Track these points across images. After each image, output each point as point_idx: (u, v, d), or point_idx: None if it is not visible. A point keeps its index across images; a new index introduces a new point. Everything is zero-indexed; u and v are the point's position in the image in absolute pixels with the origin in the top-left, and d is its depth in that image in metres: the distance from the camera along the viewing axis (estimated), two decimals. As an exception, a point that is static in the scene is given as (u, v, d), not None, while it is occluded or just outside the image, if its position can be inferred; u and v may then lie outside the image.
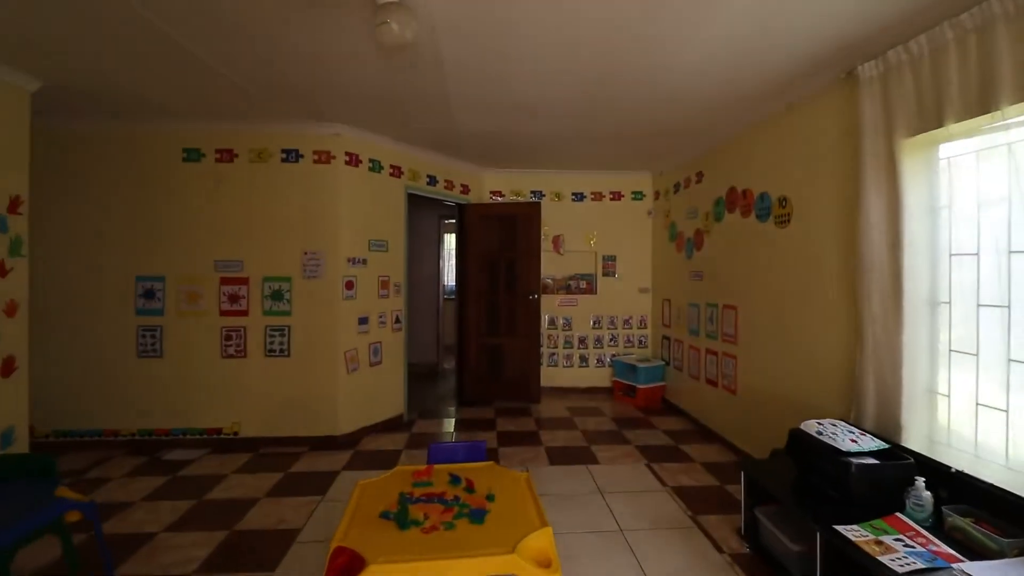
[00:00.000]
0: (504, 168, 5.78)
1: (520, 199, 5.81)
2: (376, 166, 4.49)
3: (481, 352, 5.58)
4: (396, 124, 4.12)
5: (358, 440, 4.29)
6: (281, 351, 4.13)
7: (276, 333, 4.13)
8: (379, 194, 4.53)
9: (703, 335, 4.60)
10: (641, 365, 5.36)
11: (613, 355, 5.93)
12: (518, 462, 3.80)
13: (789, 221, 3.40)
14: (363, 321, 4.37)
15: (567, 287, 5.98)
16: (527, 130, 4.24)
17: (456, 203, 5.55)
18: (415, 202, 7.03)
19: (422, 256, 7.21)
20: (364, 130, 4.28)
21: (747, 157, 3.93)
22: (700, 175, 4.75)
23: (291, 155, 4.13)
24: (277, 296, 4.13)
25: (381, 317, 4.55)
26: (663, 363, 5.51)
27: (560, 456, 3.94)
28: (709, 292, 4.51)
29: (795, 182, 3.35)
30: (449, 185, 5.34)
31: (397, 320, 4.72)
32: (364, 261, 4.37)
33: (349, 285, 4.23)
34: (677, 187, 5.28)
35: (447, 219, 7.21)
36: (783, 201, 3.46)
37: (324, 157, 4.14)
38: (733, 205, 4.12)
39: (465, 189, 5.57)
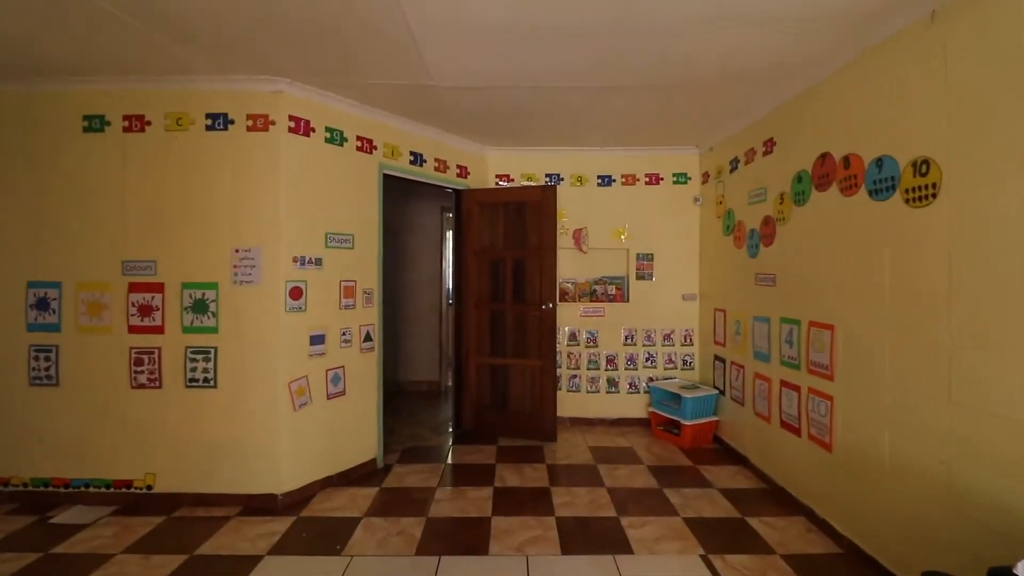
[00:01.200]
0: (511, 146, 4.66)
1: (532, 184, 4.67)
2: (336, 137, 3.43)
3: (482, 375, 4.47)
4: (351, 75, 3.04)
5: (308, 499, 3.24)
6: (206, 380, 3.12)
7: (199, 356, 3.12)
8: (341, 174, 3.47)
9: (776, 361, 3.35)
10: (688, 395, 4.14)
11: (650, 379, 4.72)
12: (516, 546, 2.67)
13: (934, 196, 2.16)
14: (317, 340, 3.32)
15: (591, 293, 4.81)
16: (524, 81, 3.10)
17: (452, 189, 4.46)
18: (411, 190, 6.01)
19: (420, 255, 6.17)
20: (315, 87, 3.23)
21: (850, 107, 2.69)
22: (770, 144, 3.50)
23: (218, 121, 3.12)
24: (200, 308, 3.12)
25: (344, 334, 3.49)
26: (716, 392, 4.27)
27: (577, 536, 2.78)
28: (785, 303, 3.27)
29: (945, 135, 2.11)
30: (441, 166, 4.25)
31: (367, 337, 3.66)
32: (318, 261, 3.32)
33: (296, 293, 3.19)
34: (735, 164, 4.04)
35: (451, 211, 6.14)
36: (921, 166, 2.22)
37: (261, 123, 3.11)
38: (826, 179, 2.88)
39: (463, 172, 4.47)
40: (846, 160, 2.72)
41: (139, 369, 3.14)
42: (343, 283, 3.48)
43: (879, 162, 2.48)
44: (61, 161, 3.15)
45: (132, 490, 3.16)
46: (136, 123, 3.13)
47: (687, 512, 3.05)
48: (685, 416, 4.13)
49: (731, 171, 4.11)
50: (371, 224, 3.68)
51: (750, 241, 3.76)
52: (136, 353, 3.14)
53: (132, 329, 3.14)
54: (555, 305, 4.18)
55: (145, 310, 3.13)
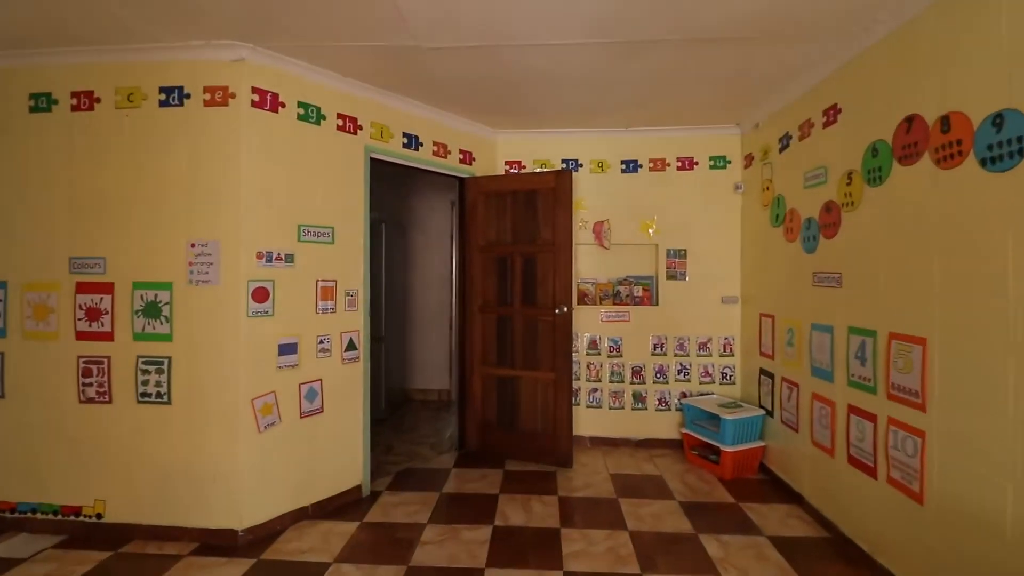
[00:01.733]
0: (522, 128, 4.12)
1: (545, 170, 4.12)
2: (312, 114, 2.97)
3: (488, 388, 3.95)
4: (319, 35, 2.56)
5: (275, 534, 2.78)
6: (159, 395, 2.70)
7: (151, 368, 2.71)
8: (318, 156, 3.01)
9: (842, 381, 2.70)
10: (728, 416, 3.50)
11: (683, 394, 4.09)
12: (509, 613, 2.13)
13: (1095, 158, 1.51)
14: (288, 349, 2.86)
15: (615, 295, 4.22)
16: (523, 36, 2.56)
17: (455, 177, 3.96)
18: (418, 183, 5.56)
19: (430, 253, 5.71)
20: (282, 54, 2.77)
21: (951, 49, 2.04)
22: (833, 112, 2.85)
23: (173, 95, 2.70)
24: (152, 311, 2.70)
25: (322, 342, 3.02)
26: (762, 412, 3.62)
27: (588, 600, 2.22)
28: (855, 308, 2.61)
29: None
30: (441, 150, 3.75)
31: (351, 346, 3.18)
32: (289, 258, 2.86)
33: (260, 295, 2.74)
34: (785, 141, 3.39)
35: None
36: (1071, 118, 1.57)
37: (220, 96, 2.67)
38: (914, 149, 2.23)
39: (467, 158, 3.96)
40: (944, 121, 2.06)
41: (87, 381, 2.75)
42: (320, 283, 3.01)
43: (998, 119, 1.82)
44: (6, 145, 2.79)
45: (81, 518, 2.77)
46: (85, 100, 2.74)
47: (730, 571, 2.44)
48: (725, 441, 3.50)
49: (781, 150, 3.46)
50: (355, 215, 3.21)
51: (806, 233, 3.11)
52: (84, 363, 2.75)
53: (80, 335, 2.75)
54: (571, 309, 3.61)
55: (93, 314, 2.74)
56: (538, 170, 4.17)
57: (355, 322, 3.21)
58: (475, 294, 3.95)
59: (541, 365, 3.73)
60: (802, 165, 3.17)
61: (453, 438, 4.30)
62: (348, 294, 3.15)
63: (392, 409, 5.16)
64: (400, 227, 5.57)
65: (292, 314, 2.87)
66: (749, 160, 3.96)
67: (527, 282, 3.79)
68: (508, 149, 4.23)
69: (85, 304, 2.75)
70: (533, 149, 4.21)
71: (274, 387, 2.80)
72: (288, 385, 2.86)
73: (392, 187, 5.60)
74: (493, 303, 3.92)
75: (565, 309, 3.59)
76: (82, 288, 2.75)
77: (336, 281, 3.09)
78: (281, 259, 2.81)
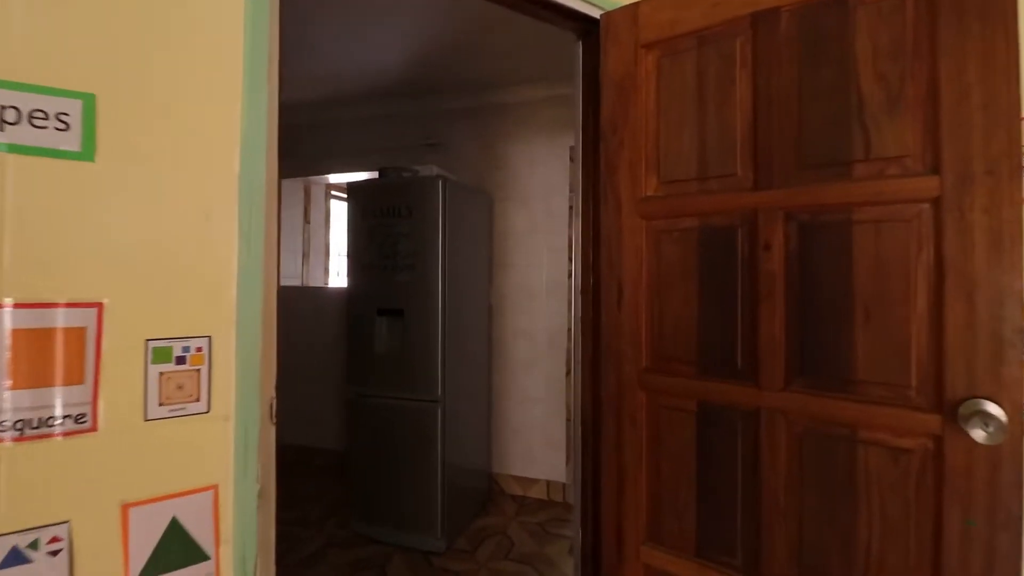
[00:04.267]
0: None
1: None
2: None
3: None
4: None
5: None
6: None
7: None
8: None
9: None
10: None
11: None
12: None
13: None
14: None
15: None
16: None
17: (568, 15, 1.48)
18: (514, 115, 3.12)
19: (536, 239, 3.38)
20: None
21: None
22: None
23: None
24: None
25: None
26: None
27: None
28: None
29: None
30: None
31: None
32: None
33: None
34: None
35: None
36: None
37: None
38: None
39: (607, -34, 1.46)
40: None
41: None
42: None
43: None
44: None
45: None
46: None
47: None
48: None
49: None
50: (218, 67, 0.89)
51: None
52: None
53: None
54: (1023, 419, 0.93)
55: None
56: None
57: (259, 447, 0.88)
58: (625, 332, 1.41)
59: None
60: None
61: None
62: (168, 356, 0.85)
63: (458, 530, 2.82)
64: (480, 195, 3.26)
65: None
66: None
67: (809, 308, 1.16)
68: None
69: None
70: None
71: None
72: None
73: (456, 120, 3.35)
74: (681, 363, 1.34)
75: (1004, 418, 0.91)
76: None
77: (59, 306, 0.80)
78: None
